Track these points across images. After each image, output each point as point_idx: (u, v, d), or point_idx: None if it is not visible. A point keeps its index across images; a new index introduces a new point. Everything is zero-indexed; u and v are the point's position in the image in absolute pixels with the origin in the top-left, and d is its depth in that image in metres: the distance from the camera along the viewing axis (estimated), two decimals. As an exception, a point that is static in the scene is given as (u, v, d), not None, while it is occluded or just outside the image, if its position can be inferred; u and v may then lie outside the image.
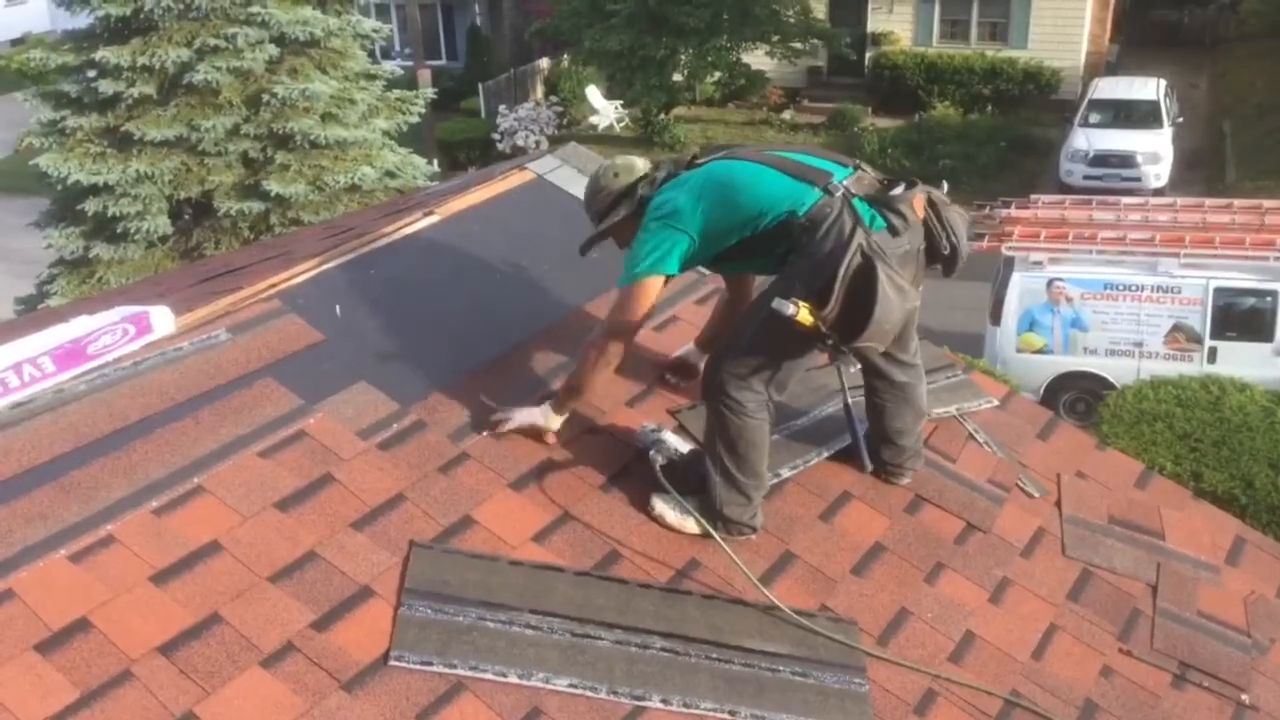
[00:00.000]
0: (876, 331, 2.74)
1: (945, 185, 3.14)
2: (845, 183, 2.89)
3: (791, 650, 2.73)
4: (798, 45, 22.65)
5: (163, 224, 12.84)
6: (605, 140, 23.37)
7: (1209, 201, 13.69)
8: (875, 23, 25.35)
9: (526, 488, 3.00)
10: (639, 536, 2.95)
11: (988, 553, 3.17)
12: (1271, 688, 3.04)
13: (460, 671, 2.47)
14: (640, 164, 3.27)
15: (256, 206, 12.88)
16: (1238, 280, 11.89)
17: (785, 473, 3.19)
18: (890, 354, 3.10)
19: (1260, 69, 25.30)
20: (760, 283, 3.29)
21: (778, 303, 2.75)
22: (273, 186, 12.68)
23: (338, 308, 3.37)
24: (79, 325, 3.07)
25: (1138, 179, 19.28)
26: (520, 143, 23.06)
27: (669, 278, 3.06)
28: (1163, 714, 2.88)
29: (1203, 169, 20.75)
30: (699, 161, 3.16)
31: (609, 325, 3.06)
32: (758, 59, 23.13)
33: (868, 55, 25.19)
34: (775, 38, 22.29)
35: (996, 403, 3.69)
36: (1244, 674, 3.02)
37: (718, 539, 2.90)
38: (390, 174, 13.35)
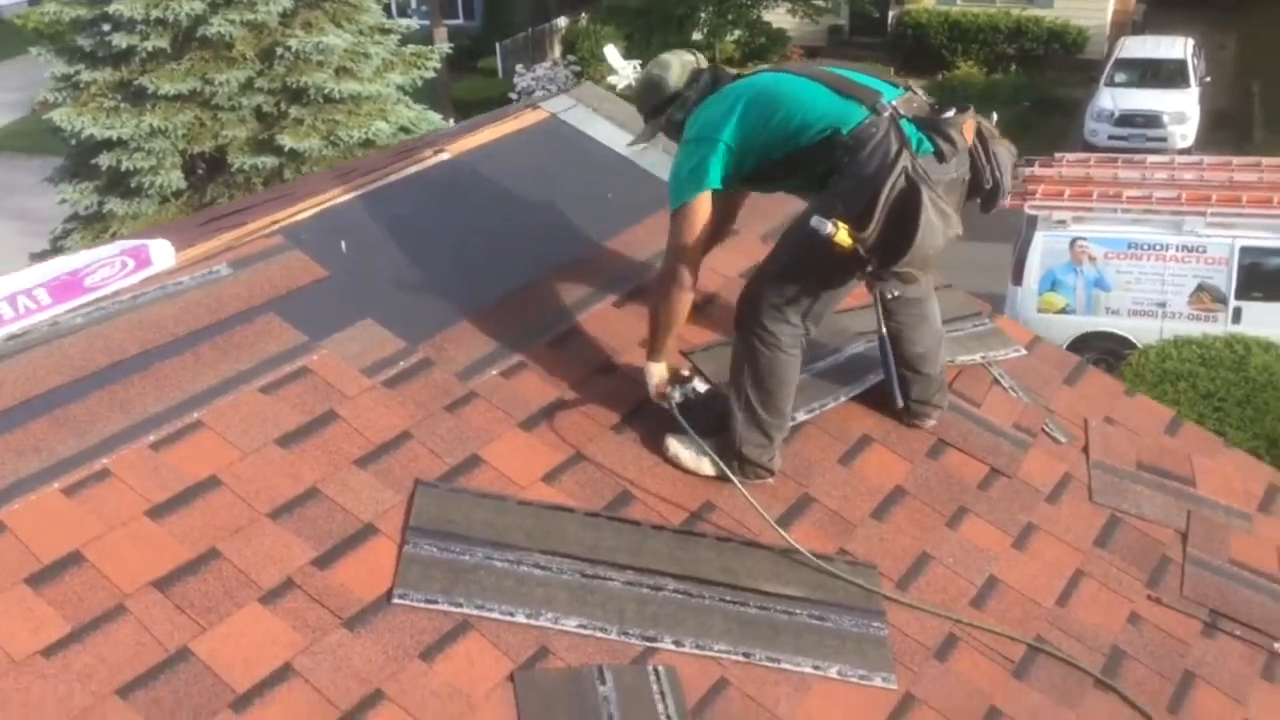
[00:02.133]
0: (918, 256, 2.65)
1: (995, 116, 3.04)
2: (894, 103, 2.79)
3: (808, 594, 2.64)
4: (820, 3, 22.30)
5: (176, 179, 12.76)
6: (624, 99, 23.11)
7: (1236, 160, 13.41)
8: (898, -20, 24.95)
9: (536, 427, 2.91)
10: (652, 477, 2.86)
11: (1012, 498, 3.06)
12: (1305, 638, 2.93)
13: (466, 610, 2.40)
14: (681, 69, 3.12)
15: (270, 161, 12.77)
16: (1264, 240, 11.66)
17: (802, 416, 3.08)
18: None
19: (1291, 28, 24.79)
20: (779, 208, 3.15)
21: (816, 221, 2.65)
22: (286, 141, 12.57)
23: (343, 243, 3.28)
24: (76, 258, 2.98)
25: (1164, 139, 18.96)
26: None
27: (716, 192, 2.93)
28: (1193, 662, 2.78)
29: (1230, 129, 20.37)
30: (742, 74, 3.07)
31: (668, 253, 2.97)
32: (778, 17, 22.79)
33: (890, 13, 24.79)
34: (797, -5, 21.96)
35: (1024, 351, 3.57)
36: (1276, 622, 2.92)
37: (735, 480, 2.81)
38: (405, 129, 13.21)
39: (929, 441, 3.16)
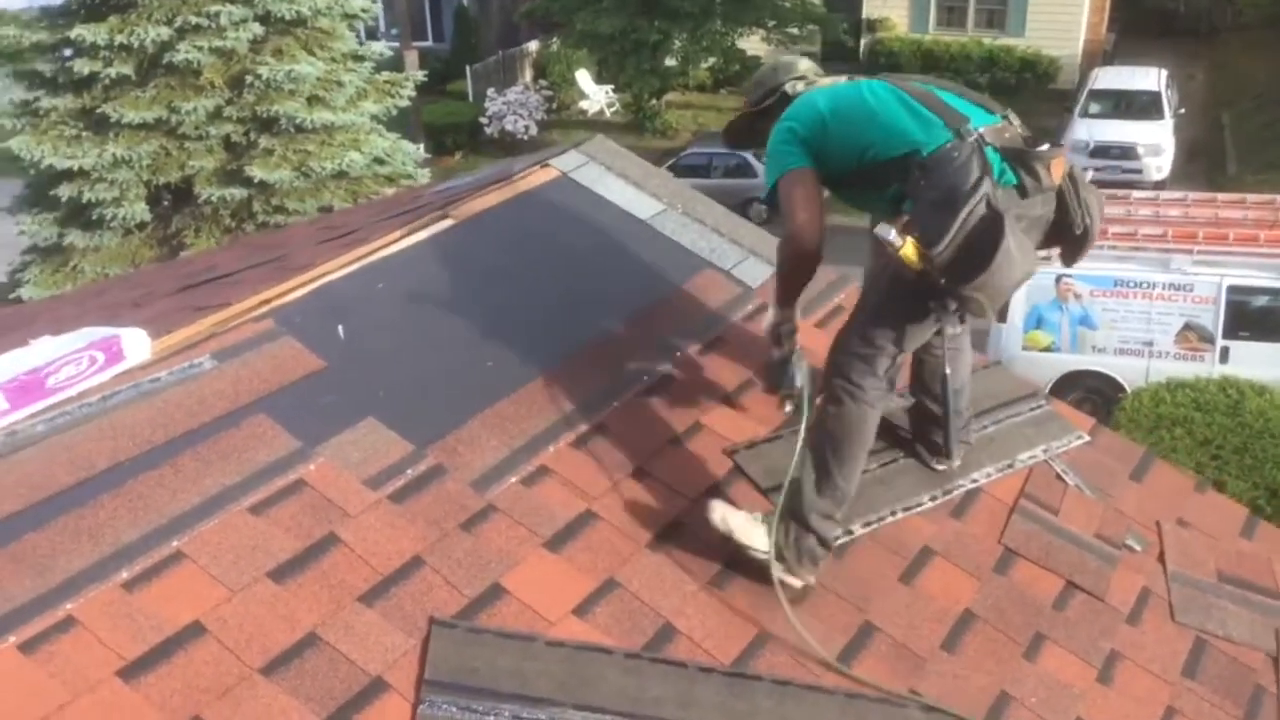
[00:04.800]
0: (993, 284, 2.44)
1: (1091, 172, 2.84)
2: (982, 129, 2.60)
3: (881, 748, 2.32)
4: (794, 31, 22.19)
5: (140, 210, 12.29)
6: (595, 125, 22.87)
7: (1221, 196, 13.34)
8: (871, 8, 24.94)
9: (564, 547, 2.57)
10: (695, 606, 2.53)
11: (1091, 620, 2.76)
12: None
13: (495, 788, 2.05)
14: (803, 66, 3.17)
15: (239, 193, 12.33)
16: (1252, 278, 11.53)
17: (858, 529, 2.77)
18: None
19: (1258, 60, 25.00)
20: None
21: (881, 228, 2.49)
22: (256, 172, 12.13)
23: (340, 328, 2.93)
24: (38, 351, 2.62)
25: (1139, 171, 18.94)
26: (509, 127, 22.55)
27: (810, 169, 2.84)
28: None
29: (1202, 161, 20.43)
30: (854, 78, 2.98)
31: (786, 224, 2.87)
32: (752, 44, 22.65)
33: (863, 41, 24.75)
34: (771, 23, 21.81)
35: (1088, 438, 3.28)
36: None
37: (786, 610, 2.47)
38: (379, 160, 12.83)
39: (996, 553, 2.85)
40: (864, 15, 24.85)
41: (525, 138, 22.41)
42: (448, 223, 3.43)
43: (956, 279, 2.46)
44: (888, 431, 2.97)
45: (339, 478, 2.55)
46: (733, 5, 21.35)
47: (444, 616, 2.33)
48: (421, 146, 17.14)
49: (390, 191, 12.58)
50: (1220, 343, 11.67)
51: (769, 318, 3.04)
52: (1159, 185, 17.90)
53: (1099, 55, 24.53)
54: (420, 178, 13.35)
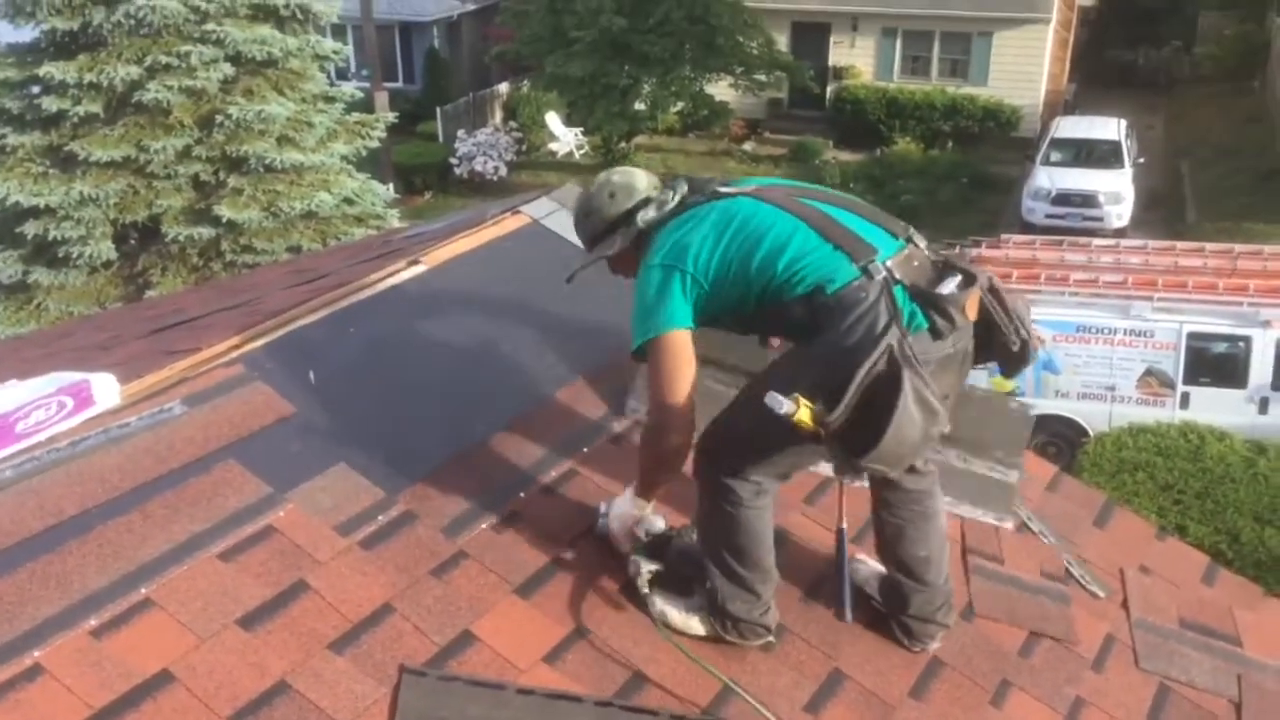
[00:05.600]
0: (887, 453, 2.24)
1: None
2: (889, 263, 2.40)
3: (850, 796, 2.33)
4: (762, 77, 22.48)
5: (106, 249, 12.21)
6: (564, 167, 23.02)
7: (1180, 244, 13.60)
8: (837, 56, 25.30)
9: (534, 594, 2.57)
10: (665, 654, 2.53)
11: (1057, 666, 2.79)
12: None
13: (466, 838, 2.04)
14: (642, 184, 2.72)
15: (207, 232, 12.29)
16: (1211, 325, 11.74)
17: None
18: None
19: (1215, 111, 25.58)
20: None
21: (770, 398, 2.25)
22: (224, 212, 12.10)
23: (311, 374, 2.94)
24: (6, 397, 2.60)
25: (1100, 219, 19.26)
26: (479, 168, 22.62)
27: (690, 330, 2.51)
28: None
29: (1161, 210, 20.80)
30: (721, 192, 2.62)
31: (652, 405, 2.55)
32: (721, 90, 22.92)
33: (829, 88, 25.10)
34: (739, 69, 22.09)
35: (1010, 527, 3.20)
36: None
37: (740, 689, 2.44)
38: (348, 200, 12.83)
39: (962, 599, 2.88)
40: (830, 63, 25.20)
41: (495, 179, 22.50)
42: (419, 268, 3.45)
43: (849, 451, 2.28)
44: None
45: (309, 523, 2.55)
46: (701, 52, 21.61)
47: (414, 664, 2.32)
48: (391, 187, 17.15)
49: (360, 233, 12.59)
50: (1181, 388, 11.84)
51: (623, 509, 2.66)
52: (1119, 233, 18.21)
53: (1060, 105, 24.99)
54: (390, 218, 13.36)
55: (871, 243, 2.45)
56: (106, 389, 2.69)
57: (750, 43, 22.25)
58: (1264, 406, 11.53)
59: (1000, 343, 2.50)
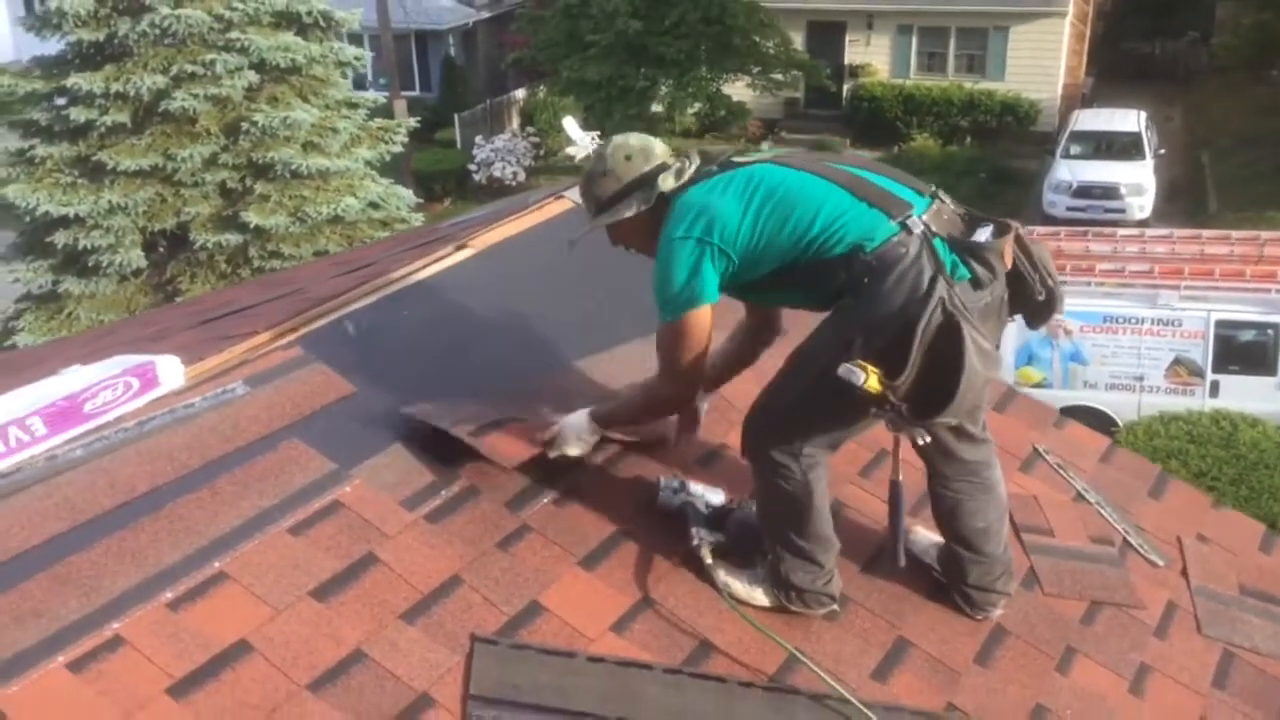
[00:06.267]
0: (962, 407, 2.27)
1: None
2: (925, 217, 2.39)
3: (921, 759, 2.33)
4: (779, 77, 22.46)
5: (136, 257, 12.31)
6: (582, 171, 23.00)
7: (1206, 233, 13.53)
8: (853, 54, 25.28)
9: (598, 566, 2.59)
10: (730, 622, 2.54)
11: (1120, 634, 2.78)
12: None
13: (546, 800, 2.05)
14: (659, 148, 2.67)
15: (234, 239, 12.38)
16: (1239, 313, 11.66)
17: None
18: (961, 427, 2.54)
19: (1234, 101, 25.42)
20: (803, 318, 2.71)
21: (845, 370, 2.23)
22: (252, 218, 12.19)
23: (350, 326, 2.95)
24: (73, 379, 2.63)
25: (1122, 210, 19.18)
26: (497, 174, 22.70)
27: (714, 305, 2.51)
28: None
29: (1183, 200, 20.71)
30: (738, 161, 2.58)
31: (666, 373, 2.56)
32: (738, 90, 22.92)
33: (845, 87, 25.07)
34: (756, 69, 22.08)
35: None
36: None
37: (808, 663, 2.44)
38: (374, 205, 12.90)
39: (1021, 567, 2.87)
40: (846, 61, 25.18)
41: (513, 184, 22.56)
42: (466, 252, 3.47)
43: (922, 413, 2.28)
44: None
45: (375, 499, 2.57)
46: (718, 53, 21.60)
47: (485, 633, 2.34)
48: (412, 192, 17.21)
49: (385, 235, 12.65)
50: (1210, 376, 11.76)
51: (580, 426, 2.68)
52: (1142, 224, 18.10)
53: (1077, 99, 24.90)
54: (414, 221, 13.42)
55: (907, 199, 2.45)
56: (171, 370, 2.72)
57: (766, 42, 22.24)
58: (1294, 393, 11.44)
59: (1026, 293, 2.48)
